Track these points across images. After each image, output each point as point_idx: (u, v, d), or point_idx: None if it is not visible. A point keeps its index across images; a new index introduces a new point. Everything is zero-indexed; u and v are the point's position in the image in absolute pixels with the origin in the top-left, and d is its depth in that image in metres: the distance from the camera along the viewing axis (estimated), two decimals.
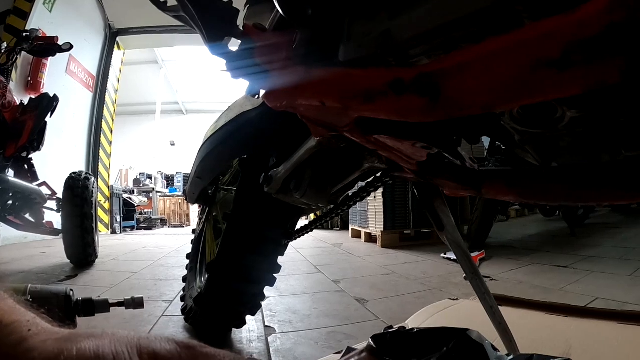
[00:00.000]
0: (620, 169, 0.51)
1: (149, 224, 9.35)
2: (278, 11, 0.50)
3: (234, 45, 0.54)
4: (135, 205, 9.04)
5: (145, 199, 10.39)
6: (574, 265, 3.08)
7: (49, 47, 3.14)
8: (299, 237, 1.29)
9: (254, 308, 1.48)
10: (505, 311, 1.60)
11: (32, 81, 5.18)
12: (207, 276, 1.40)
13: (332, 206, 1.07)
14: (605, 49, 0.23)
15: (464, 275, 1.12)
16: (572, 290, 2.40)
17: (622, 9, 0.22)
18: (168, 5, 0.63)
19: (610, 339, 1.36)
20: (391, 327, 0.77)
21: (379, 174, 0.91)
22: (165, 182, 13.03)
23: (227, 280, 1.29)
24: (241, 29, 0.53)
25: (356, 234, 5.91)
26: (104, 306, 1.09)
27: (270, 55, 0.51)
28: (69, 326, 0.30)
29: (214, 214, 1.75)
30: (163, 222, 10.29)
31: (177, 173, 13.31)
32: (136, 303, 1.17)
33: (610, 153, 0.48)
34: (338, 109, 0.40)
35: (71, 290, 1.00)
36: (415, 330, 0.79)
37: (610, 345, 1.31)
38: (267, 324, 1.84)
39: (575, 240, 4.36)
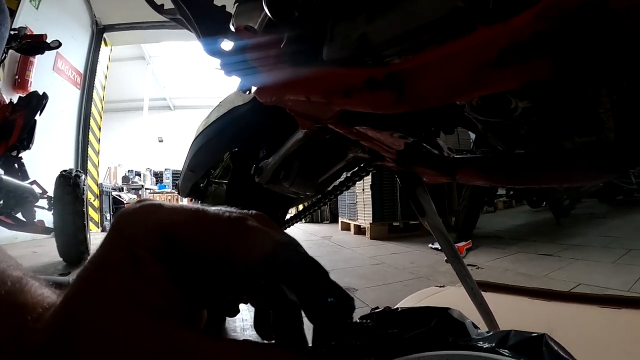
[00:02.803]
0: (579, 154, 0.57)
1: None
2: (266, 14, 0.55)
3: (227, 45, 0.59)
4: (125, 202, 9.02)
5: (135, 197, 10.36)
6: (558, 253, 3.15)
7: (37, 45, 3.13)
8: (289, 226, 1.35)
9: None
10: (489, 296, 1.65)
11: (19, 79, 5.14)
12: None
13: (319, 196, 1.12)
14: (532, 51, 0.29)
15: (446, 258, 1.19)
16: (556, 277, 2.47)
17: (545, 20, 0.28)
18: (165, 8, 0.68)
19: (591, 322, 1.42)
20: (377, 308, 0.83)
21: (363, 164, 0.97)
22: (154, 179, 12.98)
23: None
24: (233, 30, 0.58)
25: (346, 227, 5.98)
26: None
27: (260, 55, 0.56)
28: None
29: None
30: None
31: (165, 170, 13.26)
32: None
33: (564, 139, 0.54)
34: (322, 103, 0.45)
35: (70, 281, 1.04)
36: (400, 309, 0.85)
37: (591, 328, 1.35)
38: None
39: (560, 230, 4.45)
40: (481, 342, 0.73)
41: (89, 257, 0.27)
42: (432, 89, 0.33)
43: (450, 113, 0.56)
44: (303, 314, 0.27)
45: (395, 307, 0.89)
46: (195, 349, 0.23)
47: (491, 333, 0.81)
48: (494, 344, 0.72)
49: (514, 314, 1.57)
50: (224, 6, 0.58)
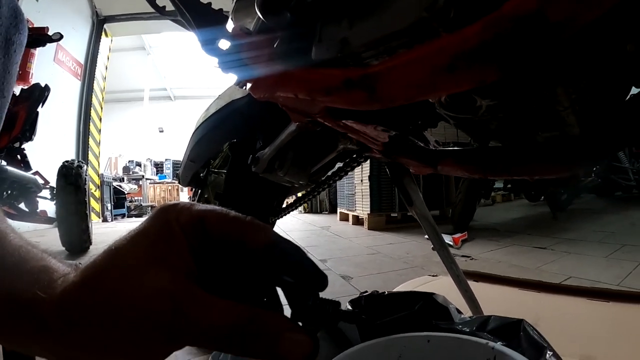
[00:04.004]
0: (547, 148, 0.62)
1: (140, 211, 9.39)
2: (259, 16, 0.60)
3: (224, 45, 0.65)
4: (126, 192, 9.06)
5: (135, 187, 10.40)
6: (552, 246, 3.16)
7: (39, 37, 3.11)
8: (286, 214, 1.40)
9: None
10: (479, 287, 1.69)
11: (21, 72, 5.12)
12: None
13: (313, 185, 1.18)
14: (480, 57, 0.34)
15: (432, 246, 1.24)
16: (548, 269, 2.48)
17: (491, 30, 0.33)
18: (167, 10, 0.73)
19: (579, 314, 1.43)
20: (366, 291, 0.89)
21: (354, 155, 1.02)
22: (155, 169, 12.99)
23: None
24: (230, 31, 0.63)
25: (344, 217, 6.03)
26: None
27: (254, 54, 0.61)
28: None
29: (205, 196, 1.85)
30: (153, 209, 10.30)
31: (166, 160, 13.27)
32: None
33: (531, 134, 0.59)
34: (308, 100, 0.51)
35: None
36: (387, 293, 0.91)
37: (578, 319, 1.37)
38: None
39: (556, 224, 4.44)
40: (462, 326, 0.79)
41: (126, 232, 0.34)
42: (398, 90, 0.39)
43: (425, 110, 0.61)
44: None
45: (382, 291, 0.95)
46: (203, 300, 0.30)
47: (473, 317, 0.86)
48: (474, 328, 0.77)
49: (503, 303, 1.59)
50: (221, 9, 0.63)
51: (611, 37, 0.44)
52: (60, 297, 0.30)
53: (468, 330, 0.72)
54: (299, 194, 1.40)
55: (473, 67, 0.34)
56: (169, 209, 0.34)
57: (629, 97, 0.54)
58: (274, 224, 1.45)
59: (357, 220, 5.44)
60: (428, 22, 0.40)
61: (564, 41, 0.31)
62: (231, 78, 0.73)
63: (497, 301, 1.62)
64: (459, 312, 0.81)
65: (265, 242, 0.34)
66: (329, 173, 1.15)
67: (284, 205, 1.42)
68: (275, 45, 0.59)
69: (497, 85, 0.46)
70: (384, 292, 0.85)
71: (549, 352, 0.58)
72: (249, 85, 0.66)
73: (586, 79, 0.50)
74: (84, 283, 0.30)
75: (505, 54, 0.33)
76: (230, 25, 0.66)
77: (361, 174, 5.12)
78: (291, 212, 1.47)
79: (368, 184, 4.92)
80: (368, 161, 4.82)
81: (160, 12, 0.74)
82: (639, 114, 0.51)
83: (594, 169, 5.98)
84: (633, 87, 0.55)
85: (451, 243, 3.35)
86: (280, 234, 0.35)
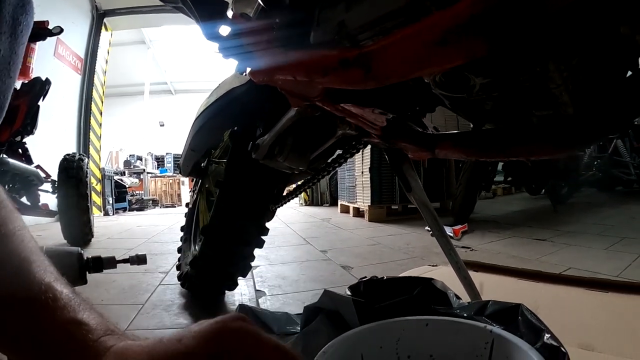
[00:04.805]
0: (543, 129, 0.64)
1: (141, 205, 9.43)
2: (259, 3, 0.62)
3: (225, 30, 0.66)
4: (127, 186, 9.08)
5: (137, 180, 10.41)
6: (552, 238, 3.16)
7: (39, 31, 3.10)
8: (286, 202, 1.41)
9: (245, 269, 1.61)
10: (479, 276, 1.70)
11: (21, 66, 5.14)
12: (201, 240, 1.52)
13: (313, 172, 1.20)
14: (470, 32, 0.36)
15: (431, 232, 1.25)
16: (548, 260, 2.47)
17: (480, 4, 0.35)
18: None
19: (577, 304, 1.43)
20: (365, 277, 0.90)
21: (353, 142, 1.04)
22: (156, 163, 13.03)
23: (219, 242, 1.42)
24: (230, 17, 0.65)
25: (345, 209, 6.03)
26: (111, 263, 1.20)
27: (254, 39, 0.63)
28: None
29: (206, 185, 1.87)
30: (155, 203, 10.37)
31: (167, 154, 13.31)
32: (140, 259, 1.29)
33: (525, 114, 0.61)
34: (306, 82, 0.52)
35: (82, 250, 1.12)
36: (385, 278, 0.92)
37: (577, 309, 1.37)
38: (257, 288, 1.98)
39: (557, 217, 4.44)
40: (460, 311, 0.80)
41: (178, 335, 0.34)
42: (392, 67, 0.40)
43: (421, 91, 0.63)
44: None
45: (382, 276, 0.96)
46: None
47: (471, 302, 0.87)
48: (472, 313, 0.79)
49: (502, 293, 1.58)
50: None
51: (602, 18, 0.45)
52: None
53: (466, 314, 0.73)
54: (299, 182, 1.41)
55: (462, 41, 0.36)
56: (226, 340, 0.34)
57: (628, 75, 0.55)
58: (274, 212, 1.47)
59: (358, 213, 5.44)
60: (420, 1, 0.41)
61: (549, 15, 0.32)
62: (230, 68, 0.75)
63: (496, 290, 1.62)
64: (458, 297, 0.82)
65: None
66: (329, 160, 1.16)
67: (284, 194, 1.43)
68: (274, 30, 0.60)
69: (489, 62, 0.47)
70: (383, 277, 0.86)
71: (546, 335, 0.59)
72: (249, 70, 0.68)
73: (577, 57, 0.51)
74: None
75: (492, 27, 0.35)
76: (230, 13, 0.68)
77: (362, 166, 5.13)
78: (292, 204, 1.48)
79: (369, 176, 4.92)
80: (369, 153, 4.85)
81: (163, 0, 0.75)
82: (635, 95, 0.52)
83: (595, 163, 6.01)
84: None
85: (451, 234, 3.36)
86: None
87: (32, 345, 0.33)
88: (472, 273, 1.28)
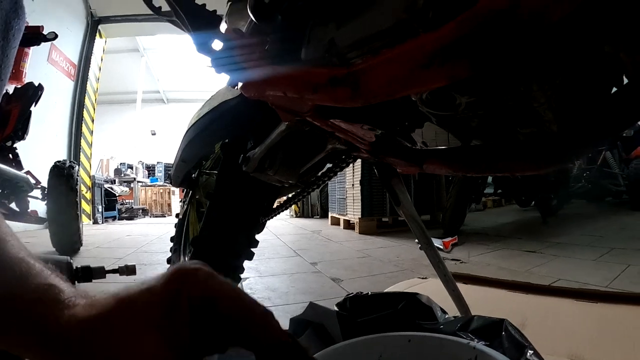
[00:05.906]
0: (528, 145, 0.65)
1: (131, 214, 9.37)
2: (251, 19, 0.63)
3: (217, 45, 0.67)
4: (117, 195, 9.02)
5: (127, 189, 10.35)
6: (542, 250, 3.20)
7: (33, 36, 3.11)
8: (276, 214, 1.41)
9: (234, 281, 1.60)
10: (468, 288, 1.71)
11: (14, 70, 5.10)
12: (190, 251, 1.52)
13: (303, 186, 1.20)
14: (454, 54, 0.37)
15: (419, 245, 1.26)
16: (537, 272, 2.50)
17: (465, 27, 0.36)
18: (162, 10, 0.75)
19: (566, 314, 1.44)
20: (351, 294, 0.91)
21: (343, 156, 1.05)
22: (147, 172, 12.97)
23: (209, 254, 1.41)
24: (223, 32, 0.66)
25: (335, 221, 6.04)
26: (100, 273, 1.20)
27: (245, 54, 0.64)
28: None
29: (196, 197, 1.86)
30: (145, 212, 10.31)
31: (158, 163, 13.26)
32: (129, 270, 1.29)
33: (510, 131, 0.62)
34: (296, 98, 0.53)
35: (71, 259, 1.12)
36: (370, 294, 0.93)
37: (565, 320, 1.38)
38: None
39: (546, 229, 4.48)
40: (445, 326, 0.81)
41: (140, 282, 0.35)
42: (379, 86, 0.41)
43: (408, 108, 0.64)
44: None
45: (366, 292, 0.97)
46: None
47: (456, 317, 0.88)
48: (457, 328, 0.79)
49: (491, 305, 1.59)
50: (215, 10, 0.65)
51: (585, 38, 0.46)
52: (67, 322, 0.32)
53: (451, 330, 0.73)
54: (290, 195, 1.41)
55: (446, 64, 0.37)
56: (185, 278, 0.34)
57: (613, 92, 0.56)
58: (264, 224, 1.47)
59: (349, 225, 5.45)
60: (408, 23, 0.43)
61: (532, 37, 0.33)
62: (223, 79, 0.75)
63: (485, 303, 1.63)
64: (444, 312, 0.83)
65: (272, 342, 0.34)
66: (319, 174, 1.17)
67: (274, 206, 1.43)
68: (266, 46, 0.61)
69: (473, 82, 0.48)
70: (368, 293, 0.87)
71: (529, 351, 0.59)
72: (240, 84, 0.69)
73: (561, 77, 0.52)
74: (89, 323, 0.32)
75: (476, 50, 0.36)
76: (223, 27, 0.69)
77: (352, 178, 5.15)
78: (282, 216, 1.49)
79: (359, 188, 4.94)
80: (359, 166, 4.87)
81: (156, 13, 0.76)
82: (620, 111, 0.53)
83: (584, 175, 6.07)
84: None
85: (441, 247, 3.38)
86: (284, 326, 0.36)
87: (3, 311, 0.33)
88: (461, 286, 1.29)
